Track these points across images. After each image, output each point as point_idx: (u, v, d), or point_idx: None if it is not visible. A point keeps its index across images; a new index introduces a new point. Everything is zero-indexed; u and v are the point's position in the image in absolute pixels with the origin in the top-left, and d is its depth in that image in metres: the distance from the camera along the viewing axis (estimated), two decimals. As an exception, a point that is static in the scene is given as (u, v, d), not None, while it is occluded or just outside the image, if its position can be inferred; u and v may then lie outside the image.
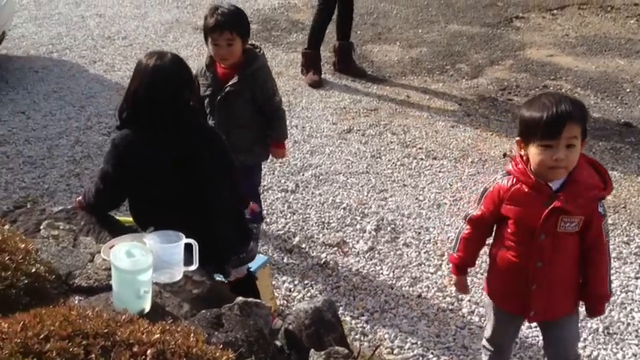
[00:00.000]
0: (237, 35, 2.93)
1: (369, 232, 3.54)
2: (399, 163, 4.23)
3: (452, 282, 2.84)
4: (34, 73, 5.49)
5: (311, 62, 5.42)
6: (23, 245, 1.88)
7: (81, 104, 4.95)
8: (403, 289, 3.15)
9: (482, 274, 3.23)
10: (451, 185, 3.99)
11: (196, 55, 5.89)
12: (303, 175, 4.09)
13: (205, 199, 2.37)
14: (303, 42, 5.60)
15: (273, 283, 3.05)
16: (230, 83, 2.98)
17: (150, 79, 2.31)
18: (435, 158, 4.29)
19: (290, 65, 5.72)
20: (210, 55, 3.06)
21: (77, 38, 6.26)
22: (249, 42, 3.08)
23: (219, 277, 2.44)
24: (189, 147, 2.34)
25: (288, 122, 4.61)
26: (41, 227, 2.36)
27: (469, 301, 3.07)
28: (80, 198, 2.55)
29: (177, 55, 2.40)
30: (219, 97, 3.00)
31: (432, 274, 3.25)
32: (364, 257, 3.36)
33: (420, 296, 3.10)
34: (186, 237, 2.14)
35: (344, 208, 3.75)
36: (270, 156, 3.27)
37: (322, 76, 5.44)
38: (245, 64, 3.00)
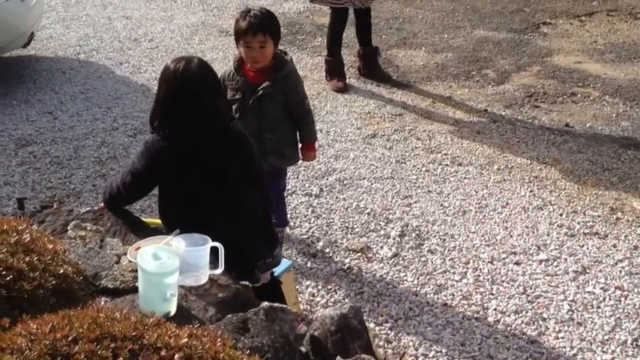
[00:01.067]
0: (269, 38, 2.93)
1: (394, 238, 3.51)
2: (423, 168, 4.20)
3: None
4: (62, 74, 5.55)
5: (334, 69, 5.41)
6: (51, 246, 1.89)
7: (107, 105, 4.99)
8: (428, 296, 3.12)
9: (507, 283, 3.19)
10: (477, 192, 3.95)
11: (222, 57, 5.91)
12: (327, 179, 4.08)
13: (233, 203, 2.37)
14: (326, 47, 5.59)
15: (297, 287, 3.04)
16: (263, 86, 2.99)
17: (178, 84, 2.31)
18: (460, 164, 4.25)
19: (315, 69, 5.71)
20: (238, 59, 3.04)
21: (104, 40, 6.32)
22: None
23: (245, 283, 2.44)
24: (217, 152, 2.34)
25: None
26: (68, 228, 2.37)
27: (495, 309, 3.03)
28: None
29: (203, 60, 2.40)
30: (251, 101, 3.00)
31: (456, 281, 3.21)
32: (388, 263, 3.33)
33: (445, 304, 3.06)
34: (213, 241, 2.14)
35: (368, 214, 3.73)
36: (300, 159, 3.27)
37: (347, 80, 5.42)
38: (275, 68, 3.01)
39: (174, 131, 2.31)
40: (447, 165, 4.24)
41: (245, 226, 2.40)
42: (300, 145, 3.20)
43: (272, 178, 3.14)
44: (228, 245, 2.15)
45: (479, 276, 3.25)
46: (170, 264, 1.95)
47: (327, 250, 3.43)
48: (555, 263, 3.35)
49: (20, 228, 1.91)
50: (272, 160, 3.06)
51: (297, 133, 3.16)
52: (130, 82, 5.43)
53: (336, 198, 3.89)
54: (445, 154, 4.37)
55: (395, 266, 3.31)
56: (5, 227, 1.87)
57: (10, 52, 5.58)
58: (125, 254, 2.26)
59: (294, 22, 6.92)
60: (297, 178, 4.06)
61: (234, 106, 3.04)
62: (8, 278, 1.67)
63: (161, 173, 2.35)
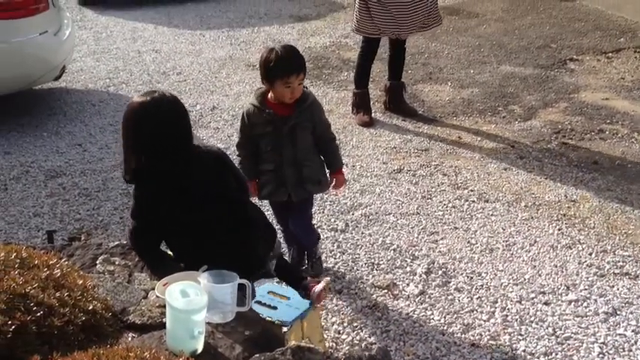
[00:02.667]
0: (304, 75, 3.06)
1: (420, 275, 3.48)
2: (450, 204, 4.18)
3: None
4: (92, 106, 5.64)
5: (360, 102, 5.43)
6: (81, 281, 1.90)
7: (135, 138, 5.04)
8: (455, 335, 3.07)
9: (536, 324, 3.13)
10: (504, 230, 3.91)
11: (248, 91, 5.97)
12: (352, 214, 4.07)
13: (201, 226, 2.40)
14: (354, 80, 5.62)
15: (323, 324, 3.02)
16: (294, 117, 3.09)
17: (132, 124, 2.42)
18: (487, 201, 4.22)
19: (340, 103, 5.74)
20: (260, 94, 3.15)
21: (133, 73, 6.42)
22: None
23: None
24: (187, 179, 2.41)
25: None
26: (97, 262, 2.38)
27: (524, 351, 2.97)
28: None
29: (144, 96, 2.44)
30: (285, 132, 3.10)
31: (484, 321, 3.16)
32: (414, 301, 3.29)
33: (472, 344, 3.01)
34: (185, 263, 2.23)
35: (394, 250, 3.71)
36: (332, 186, 3.36)
37: (373, 114, 5.44)
38: (301, 98, 3.10)
39: (146, 179, 2.38)
40: (473, 201, 4.21)
41: (217, 249, 2.39)
42: (329, 172, 3.31)
43: (306, 205, 3.37)
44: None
45: (507, 316, 3.20)
46: (198, 301, 1.95)
47: (353, 287, 3.41)
48: (585, 304, 3.29)
49: (51, 263, 1.92)
50: (310, 187, 3.23)
51: (325, 161, 3.30)
52: (158, 114, 5.48)
53: (362, 233, 3.87)
54: (472, 191, 4.34)
55: (421, 304, 3.27)
56: (36, 262, 1.89)
57: (41, 85, 5.69)
58: (153, 289, 2.26)
59: (320, 56, 6.99)
60: (323, 212, 4.06)
61: (265, 140, 3.14)
62: (39, 314, 1.68)
63: (155, 218, 2.42)
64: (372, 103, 5.51)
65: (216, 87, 6.13)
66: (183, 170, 2.41)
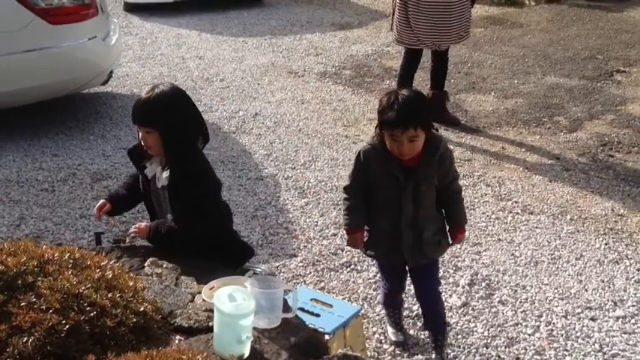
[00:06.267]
0: (421, 130, 2.50)
1: (463, 287, 3.44)
2: (493, 216, 4.13)
3: None
4: (137, 110, 5.71)
5: None
6: (132, 283, 1.92)
7: (179, 143, 5.10)
8: (499, 349, 3.02)
9: (582, 339, 3.07)
10: (549, 243, 3.85)
11: (290, 98, 6.00)
12: (394, 223, 4.04)
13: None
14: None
15: (364, 333, 3.00)
16: (421, 171, 2.59)
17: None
18: (531, 213, 4.16)
19: (382, 112, 5.72)
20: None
21: (177, 79, 6.51)
22: None
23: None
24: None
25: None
26: (145, 265, 2.41)
27: (569, 367, 2.92)
28: None
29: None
30: (408, 188, 2.60)
31: (529, 335, 3.11)
32: (457, 312, 3.26)
33: (517, 358, 2.96)
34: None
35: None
36: (452, 243, 2.83)
37: (415, 124, 5.40)
38: (429, 147, 2.59)
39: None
40: (517, 213, 4.15)
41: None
42: (449, 228, 2.77)
43: (430, 271, 2.83)
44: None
45: (552, 330, 3.14)
46: (246, 306, 1.96)
47: (395, 296, 3.38)
48: (633, 320, 3.21)
49: (102, 264, 1.95)
50: (428, 251, 2.72)
51: (445, 215, 2.76)
52: (201, 120, 5.54)
53: (404, 243, 3.84)
54: (515, 202, 4.28)
55: (464, 316, 3.23)
56: (89, 263, 1.91)
57: (88, 89, 5.80)
58: (199, 293, 2.28)
59: (362, 64, 6.99)
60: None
61: (381, 193, 2.67)
62: (92, 314, 1.70)
63: None
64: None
65: (259, 94, 6.17)
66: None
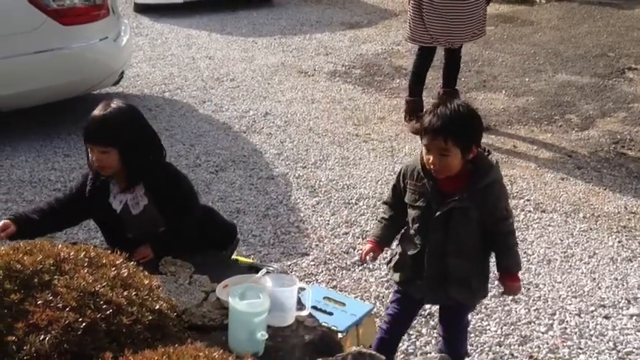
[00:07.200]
0: (452, 145, 2.26)
1: (475, 285, 3.43)
2: (505, 214, 4.11)
3: None
4: (148, 111, 5.73)
5: (414, 110, 5.40)
6: (147, 281, 1.93)
7: (190, 142, 5.12)
8: (512, 347, 3.01)
9: (596, 337, 3.05)
10: (562, 241, 3.83)
11: (301, 97, 6.01)
12: (406, 222, 4.03)
13: None
14: (406, 88, 5.60)
15: (377, 332, 2.99)
16: (457, 198, 2.32)
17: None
18: (543, 211, 4.14)
19: (393, 111, 5.73)
20: None
21: (188, 79, 6.53)
22: (480, 147, 2.39)
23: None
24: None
25: (391, 168, 4.63)
26: (160, 263, 2.42)
27: (583, 365, 2.91)
28: None
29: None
30: (437, 214, 2.36)
31: (542, 333, 3.10)
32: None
33: (530, 356, 2.95)
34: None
35: (448, 259, 3.66)
36: (503, 292, 2.58)
37: (426, 122, 5.39)
38: (475, 174, 2.34)
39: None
40: (529, 211, 4.14)
41: None
42: (499, 275, 2.51)
43: (455, 314, 2.60)
44: None
45: (566, 328, 3.13)
46: (261, 303, 1.96)
47: (407, 295, 3.37)
48: (647, 319, 3.20)
49: (117, 262, 1.96)
50: (453, 292, 2.44)
51: (495, 259, 2.50)
52: (212, 120, 5.57)
53: (416, 241, 3.83)
54: (528, 200, 4.27)
55: (477, 314, 3.23)
56: (104, 261, 1.92)
57: (99, 90, 5.82)
58: (213, 291, 2.28)
59: (373, 63, 6.98)
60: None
61: (413, 214, 2.44)
62: (108, 312, 1.71)
63: None
64: (425, 110, 5.46)
65: (269, 93, 6.18)
66: None
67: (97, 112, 2.59)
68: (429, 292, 2.48)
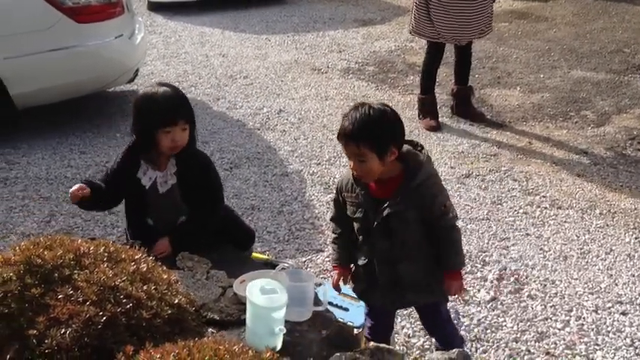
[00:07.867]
0: (367, 150, 2.21)
1: (491, 282, 3.42)
2: (521, 210, 4.09)
3: None
4: (162, 108, 5.76)
5: (427, 108, 5.39)
6: (166, 276, 1.94)
7: (204, 139, 5.13)
8: (529, 343, 3.00)
9: (613, 334, 3.04)
10: (578, 237, 3.81)
11: (314, 94, 6.01)
12: (421, 218, 4.03)
13: None
14: (419, 85, 5.58)
15: (393, 327, 2.99)
16: (391, 203, 2.27)
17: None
18: (560, 208, 4.12)
19: (406, 107, 5.71)
20: None
21: (202, 76, 6.55)
22: (407, 142, 2.34)
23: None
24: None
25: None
26: (177, 259, 2.43)
27: (601, 361, 2.89)
28: None
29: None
30: (375, 223, 2.31)
31: (559, 329, 3.08)
32: (486, 307, 3.24)
33: (547, 352, 2.94)
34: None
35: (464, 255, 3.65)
36: (444, 291, 2.46)
37: (440, 119, 5.39)
38: (406, 175, 2.28)
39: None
40: (545, 208, 4.12)
41: None
42: (443, 273, 2.42)
43: (431, 311, 2.56)
44: None
45: (583, 325, 3.11)
46: (279, 298, 1.96)
47: (423, 291, 3.37)
48: (665, 315, 3.18)
49: (137, 257, 1.97)
50: (411, 296, 2.42)
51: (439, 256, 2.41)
52: (226, 117, 5.58)
53: (431, 238, 3.83)
54: (544, 197, 4.25)
55: (493, 310, 3.22)
56: (123, 256, 1.93)
57: (114, 87, 5.86)
58: (230, 287, 2.29)
59: (386, 60, 6.97)
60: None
61: (356, 226, 2.41)
62: (128, 306, 1.72)
63: None
64: (439, 107, 5.45)
65: (282, 90, 6.18)
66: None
67: (165, 90, 2.66)
68: (387, 299, 2.46)
